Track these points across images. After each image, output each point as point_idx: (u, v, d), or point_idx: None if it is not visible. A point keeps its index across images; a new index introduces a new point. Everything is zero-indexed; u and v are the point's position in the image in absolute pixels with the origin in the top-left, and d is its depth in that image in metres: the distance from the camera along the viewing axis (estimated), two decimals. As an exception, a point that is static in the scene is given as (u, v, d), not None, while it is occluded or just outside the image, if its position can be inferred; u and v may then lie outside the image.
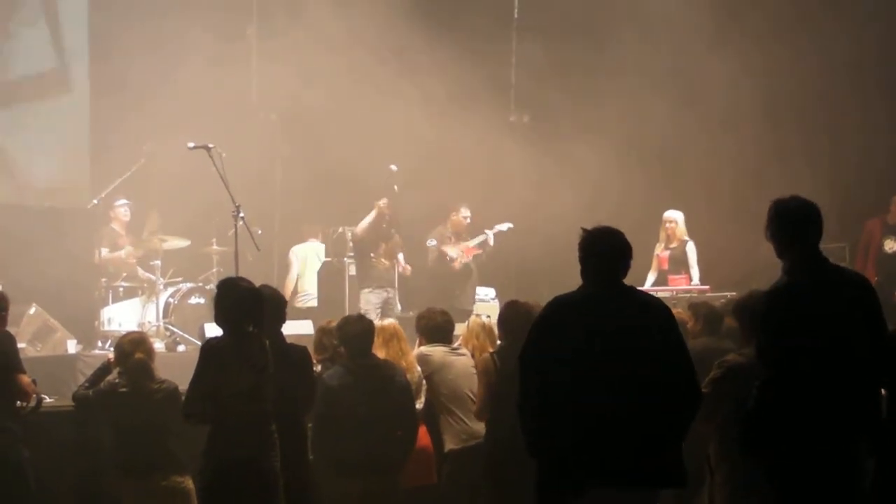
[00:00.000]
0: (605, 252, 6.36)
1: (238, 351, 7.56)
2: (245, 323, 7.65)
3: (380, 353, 8.99)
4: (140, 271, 14.19)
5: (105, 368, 9.13)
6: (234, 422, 7.49)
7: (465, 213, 15.28)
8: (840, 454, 6.23)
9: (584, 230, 6.39)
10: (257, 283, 8.11)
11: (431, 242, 15.24)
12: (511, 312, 8.85)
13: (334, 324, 9.21)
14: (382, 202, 14.42)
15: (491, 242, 15.18)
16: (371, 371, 8.66)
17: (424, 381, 9.28)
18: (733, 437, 6.61)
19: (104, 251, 14.13)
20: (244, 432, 7.50)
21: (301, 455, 8.23)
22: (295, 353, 8.38)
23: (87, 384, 9.13)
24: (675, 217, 14.32)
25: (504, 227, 15.27)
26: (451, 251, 14.99)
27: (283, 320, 8.54)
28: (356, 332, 8.78)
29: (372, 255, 14.42)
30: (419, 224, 15.40)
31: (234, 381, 7.49)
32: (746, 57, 15.18)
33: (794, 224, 6.43)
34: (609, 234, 6.41)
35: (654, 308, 6.43)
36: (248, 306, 7.69)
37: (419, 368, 9.28)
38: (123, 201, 14.38)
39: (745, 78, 15.34)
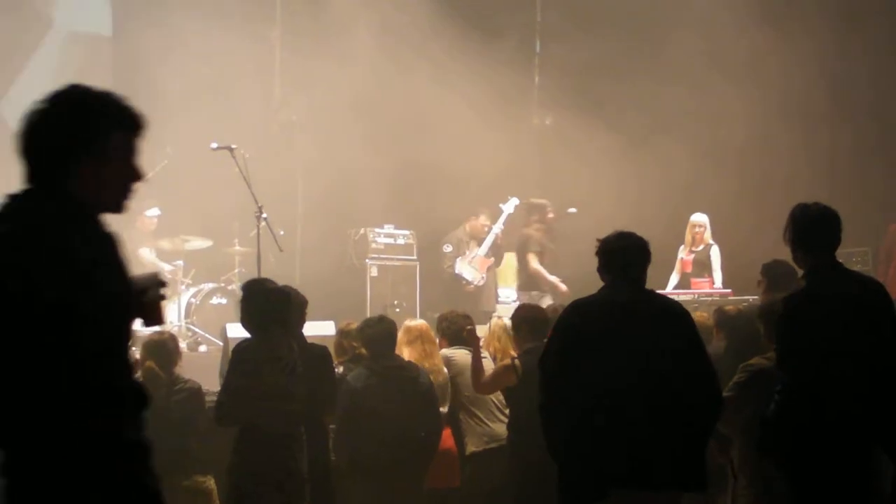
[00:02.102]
0: (625, 256, 6.38)
1: (268, 352, 7.58)
2: (273, 324, 7.67)
3: (408, 352, 9.01)
4: (161, 263, 14.14)
5: (127, 369, 9.14)
6: (264, 423, 7.51)
7: (484, 220, 15.20)
8: (858, 461, 6.23)
9: (598, 240, 6.43)
10: (280, 285, 8.13)
11: (447, 248, 15.20)
12: (526, 313, 8.89)
13: (354, 325, 9.24)
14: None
15: (500, 237, 15.00)
16: (394, 372, 8.67)
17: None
18: (753, 441, 6.62)
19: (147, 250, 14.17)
20: (273, 434, 7.51)
21: (324, 456, 8.25)
22: (316, 353, 8.40)
23: (109, 384, 9.15)
24: (703, 221, 14.27)
25: (510, 207, 15.04)
26: (467, 272, 14.88)
27: (303, 321, 8.55)
28: (376, 334, 8.78)
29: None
30: (441, 225, 15.42)
31: (264, 383, 7.51)
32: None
33: (811, 230, 6.47)
34: (629, 238, 6.43)
35: (674, 311, 6.44)
36: (276, 307, 7.71)
37: (446, 370, 9.28)
38: (156, 211, 14.35)
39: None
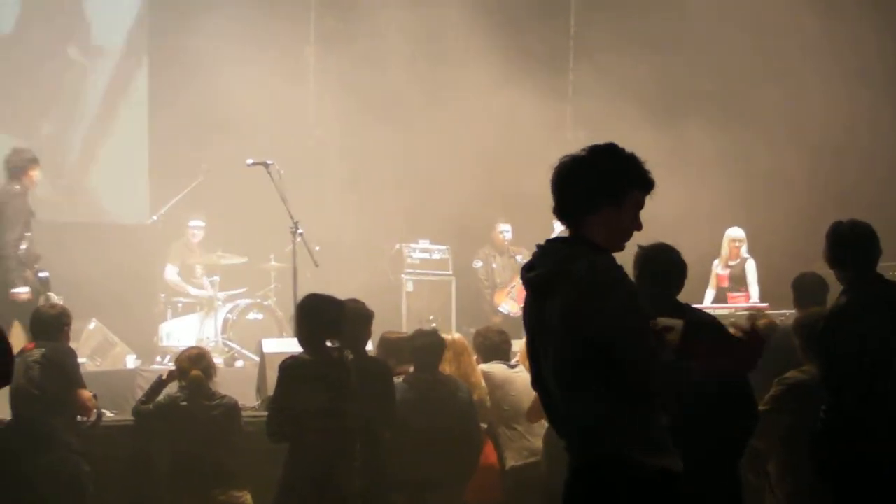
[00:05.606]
0: (660, 269, 6.33)
1: (315, 368, 7.58)
2: (326, 339, 7.68)
3: (450, 367, 8.99)
4: (191, 289, 14.28)
5: (159, 383, 9.18)
6: (312, 440, 7.50)
7: (501, 227, 15.25)
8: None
9: (640, 247, 6.37)
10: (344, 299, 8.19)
11: (477, 264, 15.26)
12: None
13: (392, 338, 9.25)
14: None
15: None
16: (434, 387, 8.66)
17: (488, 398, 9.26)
18: (798, 457, 6.59)
19: (173, 269, 14.28)
20: (322, 450, 7.51)
21: (379, 471, 8.16)
22: (375, 368, 8.38)
23: (143, 399, 9.19)
24: (741, 236, 14.25)
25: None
26: (503, 304, 14.93)
27: (368, 336, 8.57)
28: (426, 345, 8.78)
29: None
30: (477, 240, 15.46)
31: (310, 399, 7.51)
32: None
33: (843, 248, 6.52)
34: (664, 251, 6.38)
35: (708, 326, 6.39)
36: (328, 322, 7.72)
37: (484, 385, 9.26)
38: (198, 223, 14.45)
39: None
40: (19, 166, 11.67)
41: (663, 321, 4.63)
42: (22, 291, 11.41)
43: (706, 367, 4.63)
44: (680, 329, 4.60)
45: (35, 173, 11.75)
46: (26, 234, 11.53)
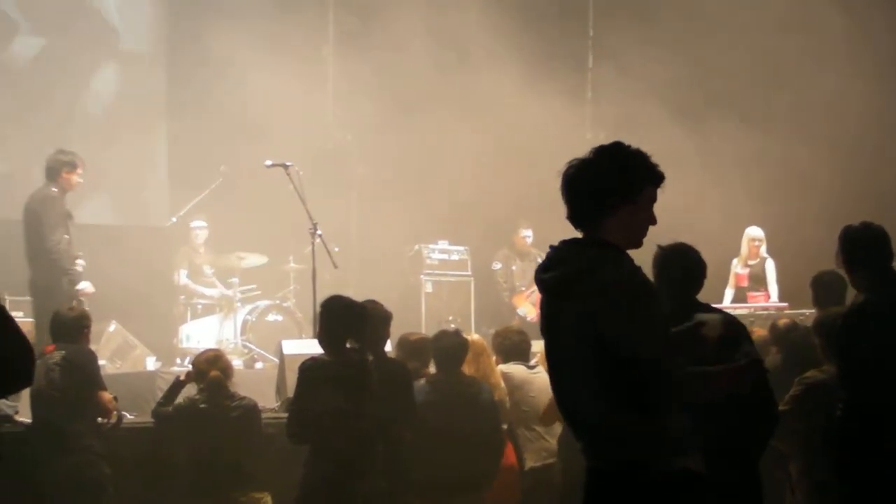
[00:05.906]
0: (679, 270, 6.31)
1: (335, 370, 7.58)
2: (347, 340, 7.69)
3: (470, 368, 8.97)
4: (204, 290, 14.31)
5: (177, 384, 9.20)
6: (332, 441, 7.51)
7: (524, 233, 15.24)
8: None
9: (659, 247, 6.35)
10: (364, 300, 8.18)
11: (496, 266, 15.26)
12: None
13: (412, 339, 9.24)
14: None
15: None
16: (457, 388, 8.64)
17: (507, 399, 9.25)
18: (815, 456, 6.58)
19: (183, 273, 14.32)
20: (342, 452, 7.51)
21: (400, 473, 8.14)
22: (393, 369, 8.38)
23: (162, 401, 9.20)
24: (760, 235, 14.24)
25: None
26: (521, 307, 14.93)
27: (386, 337, 8.57)
28: (450, 347, 8.76)
29: None
30: (496, 241, 15.44)
31: (330, 401, 7.50)
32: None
33: (857, 250, 6.53)
34: (684, 251, 6.36)
35: (728, 325, 6.37)
36: (349, 324, 7.72)
37: (504, 386, 9.25)
38: (200, 223, 14.48)
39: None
40: (54, 168, 11.71)
41: (702, 317, 4.63)
42: (86, 287, 11.64)
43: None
44: (718, 324, 4.59)
45: (71, 177, 11.74)
46: (64, 235, 11.60)
